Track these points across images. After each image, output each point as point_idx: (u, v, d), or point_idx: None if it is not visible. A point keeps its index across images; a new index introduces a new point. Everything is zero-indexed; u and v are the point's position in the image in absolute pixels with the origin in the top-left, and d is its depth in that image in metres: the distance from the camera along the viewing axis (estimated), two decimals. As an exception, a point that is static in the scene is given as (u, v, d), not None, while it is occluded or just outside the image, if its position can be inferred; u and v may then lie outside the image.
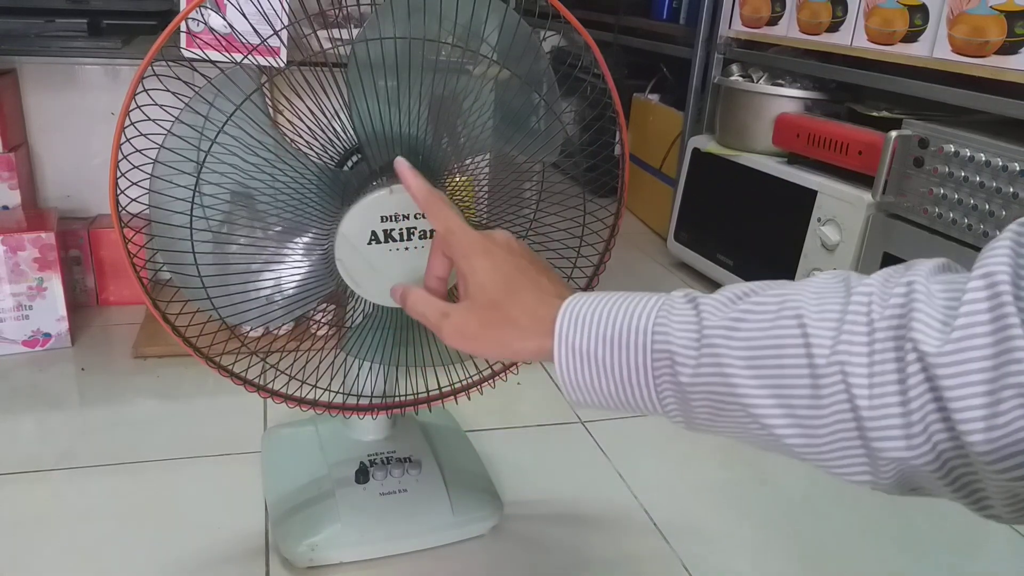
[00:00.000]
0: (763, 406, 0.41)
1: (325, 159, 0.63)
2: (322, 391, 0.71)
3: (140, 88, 0.56)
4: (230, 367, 0.68)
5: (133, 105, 0.56)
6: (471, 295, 0.51)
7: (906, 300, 0.38)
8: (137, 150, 0.58)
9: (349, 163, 0.65)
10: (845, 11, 1.29)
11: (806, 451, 0.41)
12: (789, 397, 0.40)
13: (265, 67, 0.64)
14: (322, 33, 0.57)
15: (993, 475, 0.35)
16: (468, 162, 0.69)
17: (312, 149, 0.61)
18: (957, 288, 0.37)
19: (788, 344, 0.40)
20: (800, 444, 0.41)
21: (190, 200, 0.59)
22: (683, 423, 0.46)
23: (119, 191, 0.58)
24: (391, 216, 0.62)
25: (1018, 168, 0.98)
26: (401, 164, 0.56)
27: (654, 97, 2.00)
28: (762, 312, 0.42)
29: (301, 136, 0.60)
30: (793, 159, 1.39)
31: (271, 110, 0.60)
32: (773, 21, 1.46)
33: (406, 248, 0.63)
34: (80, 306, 1.29)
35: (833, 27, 1.31)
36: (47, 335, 1.16)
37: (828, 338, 0.39)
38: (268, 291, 0.66)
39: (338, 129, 0.61)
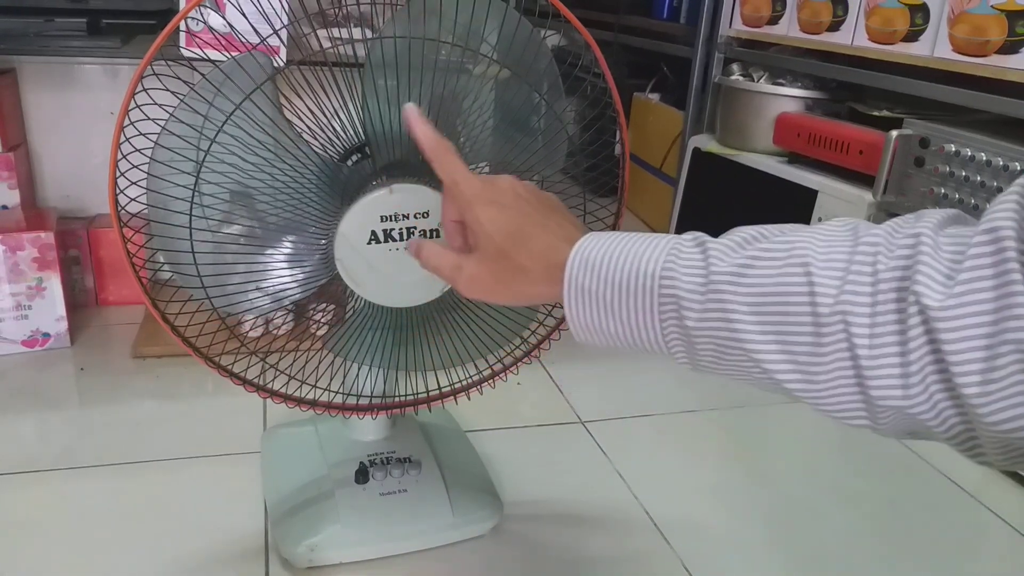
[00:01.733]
0: (765, 351, 0.42)
1: (329, 152, 0.63)
2: (322, 391, 0.71)
3: (140, 87, 0.56)
4: (230, 367, 0.68)
5: (132, 104, 0.56)
6: (480, 246, 0.51)
7: (912, 252, 0.38)
8: (136, 149, 0.58)
9: (351, 160, 0.65)
10: (846, 10, 1.28)
11: (805, 395, 0.42)
12: (791, 344, 0.41)
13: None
14: (322, 32, 0.57)
15: (987, 427, 0.36)
16: (473, 167, 0.68)
17: (317, 139, 0.61)
18: (963, 242, 0.37)
19: (793, 292, 0.40)
20: (800, 388, 0.41)
21: (190, 200, 0.59)
22: (688, 364, 0.47)
23: (118, 191, 0.58)
24: (391, 216, 0.61)
25: (1019, 168, 0.98)
26: (411, 110, 0.55)
27: (654, 96, 2.00)
28: (769, 259, 0.42)
29: (307, 126, 0.60)
30: (794, 159, 1.39)
31: (281, 98, 0.60)
32: (774, 20, 1.46)
33: (406, 248, 0.63)
34: (79, 306, 1.28)
35: (834, 26, 1.31)
36: (46, 335, 1.15)
37: (833, 287, 0.39)
38: (268, 290, 0.66)
39: (345, 122, 0.61)
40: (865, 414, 0.40)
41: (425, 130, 0.54)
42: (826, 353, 0.40)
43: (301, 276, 0.66)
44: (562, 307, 0.48)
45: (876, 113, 1.28)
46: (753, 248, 0.43)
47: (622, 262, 0.46)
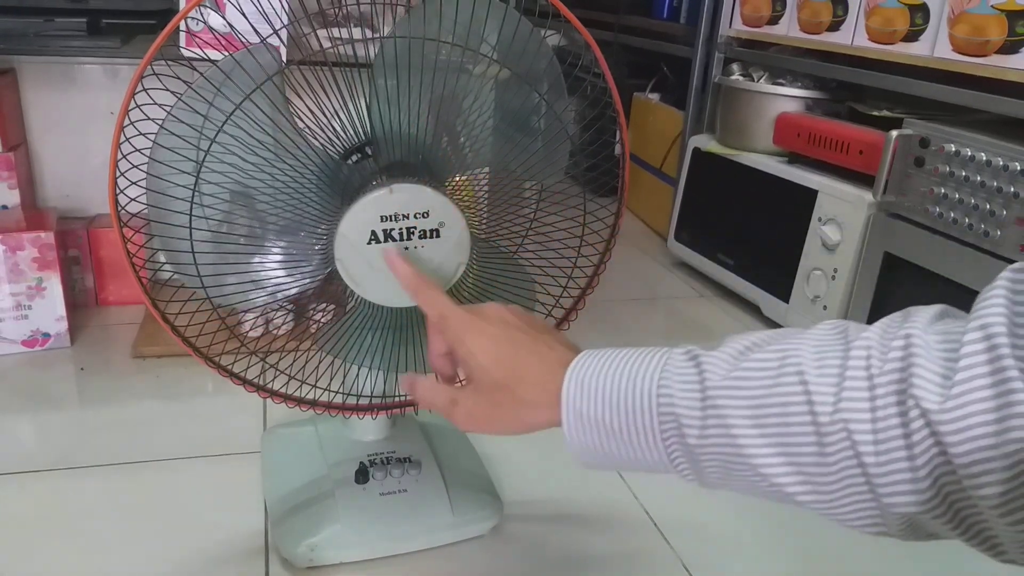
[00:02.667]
0: (771, 464, 0.41)
1: (330, 151, 0.63)
2: (322, 391, 0.71)
3: (140, 87, 0.56)
4: (230, 367, 0.68)
5: (132, 104, 0.56)
6: (475, 379, 0.51)
7: (905, 354, 0.38)
8: (137, 149, 0.58)
9: (352, 159, 0.65)
10: (846, 10, 1.28)
11: (818, 506, 0.41)
12: (796, 455, 0.40)
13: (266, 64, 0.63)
14: (322, 32, 0.57)
15: (1006, 527, 0.35)
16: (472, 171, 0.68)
17: (317, 139, 0.61)
18: (955, 339, 0.37)
19: (791, 402, 0.40)
20: (811, 500, 0.41)
21: (190, 200, 0.59)
22: (696, 482, 0.46)
23: (118, 190, 0.58)
24: (391, 216, 0.61)
25: (1019, 167, 0.98)
26: (391, 253, 0.57)
27: (654, 96, 2.00)
28: (763, 369, 0.42)
29: (307, 125, 0.60)
30: (794, 159, 1.39)
31: (287, 91, 0.60)
32: (774, 20, 1.46)
33: (406, 248, 0.63)
34: (79, 306, 1.28)
35: (834, 26, 1.31)
36: (46, 335, 1.15)
37: (830, 395, 0.39)
38: (268, 290, 0.66)
39: (345, 122, 0.61)
40: (881, 521, 0.40)
41: (405, 268, 0.56)
42: (832, 462, 0.39)
43: (301, 276, 0.66)
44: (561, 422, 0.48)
45: (876, 113, 1.28)
46: (747, 359, 0.43)
47: (617, 382, 0.46)
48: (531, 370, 0.49)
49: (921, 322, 0.39)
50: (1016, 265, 0.37)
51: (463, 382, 0.55)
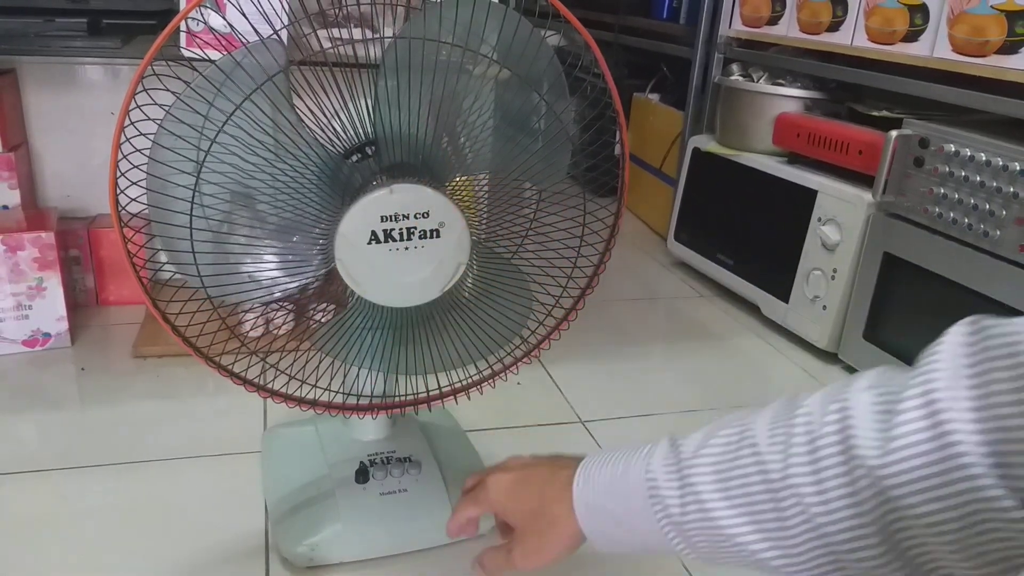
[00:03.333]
0: (743, 533, 0.44)
1: (331, 150, 0.63)
2: (322, 391, 0.71)
3: (140, 88, 0.56)
4: (230, 367, 0.68)
5: (133, 105, 0.56)
6: (518, 525, 0.58)
7: (841, 416, 0.40)
8: (137, 150, 0.58)
9: (353, 158, 0.65)
10: (845, 11, 1.29)
11: (791, 570, 0.44)
12: (761, 521, 0.44)
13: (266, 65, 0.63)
14: (322, 32, 0.57)
15: (967, 571, 0.37)
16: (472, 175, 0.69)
17: (318, 138, 0.61)
18: (893, 394, 0.39)
19: (749, 472, 0.44)
20: (783, 564, 0.44)
21: (190, 200, 0.59)
22: (695, 557, 0.49)
23: (119, 191, 0.58)
24: (391, 216, 0.61)
25: (1018, 168, 0.98)
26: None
27: (654, 97, 2.00)
28: (727, 444, 0.46)
29: (308, 126, 0.60)
30: (793, 159, 1.39)
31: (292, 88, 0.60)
32: (773, 21, 1.46)
33: (406, 248, 0.63)
34: (80, 306, 1.29)
35: (833, 27, 1.31)
36: (47, 335, 1.15)
37: (778, 462, 0.43)
38: (268, 290, 0.66)
39: (345, 122, 0.61)
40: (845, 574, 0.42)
41: (461, 515, 0.62)
42: (791, 525, 0.42)
43: (301, 276, 0.66)
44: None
45: (875, 113, 1.28)
46: (713, 436, 0.47)
47: (614, 473, 0.51)
48: (549, 491, 0.55)
49: (860, 384, 0.41)
50: (969, 319, 0.38)
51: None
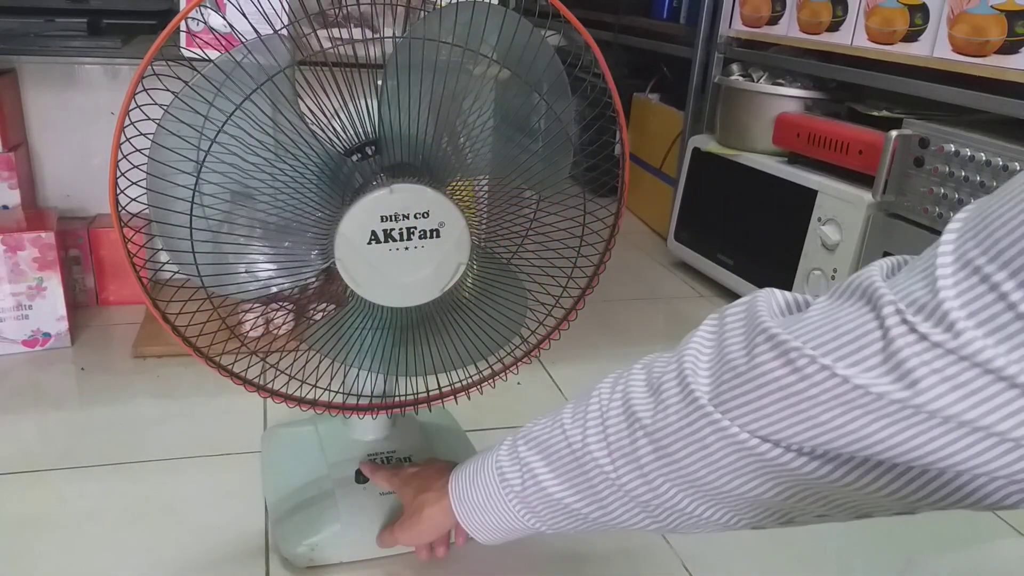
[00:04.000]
0: (567, 496, 0.55)
1: (334, 147, 0.63)
2: (322, 391, 0.71)
3: (140, 88, 0.56)
4: (230, 367, 0.68)
5: (133, 104, 0.56)
6: (405, 507, 0.72)
7: (623, 394, 0.51)
8: (137, 149, 0.58)
9: (353, 158, 0.65)
10: (845, 10, 1.29)
11: (610, 522, 0.54)
12: (578, 486, 0.54)
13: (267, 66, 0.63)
14: (322, 32, 0.57)
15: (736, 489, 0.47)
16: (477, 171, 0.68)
17: (323, 132, 0.61)
18: (657, 377, 0.50)
19: (561, 448, 0.55)
20: (604, 519, 0.54)
21: (190, 200, 0.59)
22: (546, 528, 0.59)
23: (119, 190, 0.58)
24: (391, 216, 0.61)
25: (1018, 168, 0.98)
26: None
27: (654, 97, 2.00)
28: (545, 424, 0.58)
29: (314, 121, 0.60)
30: (793, 159, 1.39)
31: (298, 86, 0.60)
32: (773, 20, 1.46)
33: (406, 248, 0.63)
34: (80, 306, 1.29)
35: (833, 26, 1.31)
36: (47, 335, 1.15)
37: (578, 437, 0.54)
38: (268, 290, 0.66)
39: (345, 122, 0.61)
40: (651, 522, 0.53)
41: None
42: (599, 488, 0.53)
43: (301, 276, 0.66)
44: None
45: (875, 113, 1.28)
46: (536, 422, 0.59)
47: (477, 468, 0.62)
48: (432, 484, 0.68)
49: (639, 365, 0.52)
50: (727, 309, 0.47)
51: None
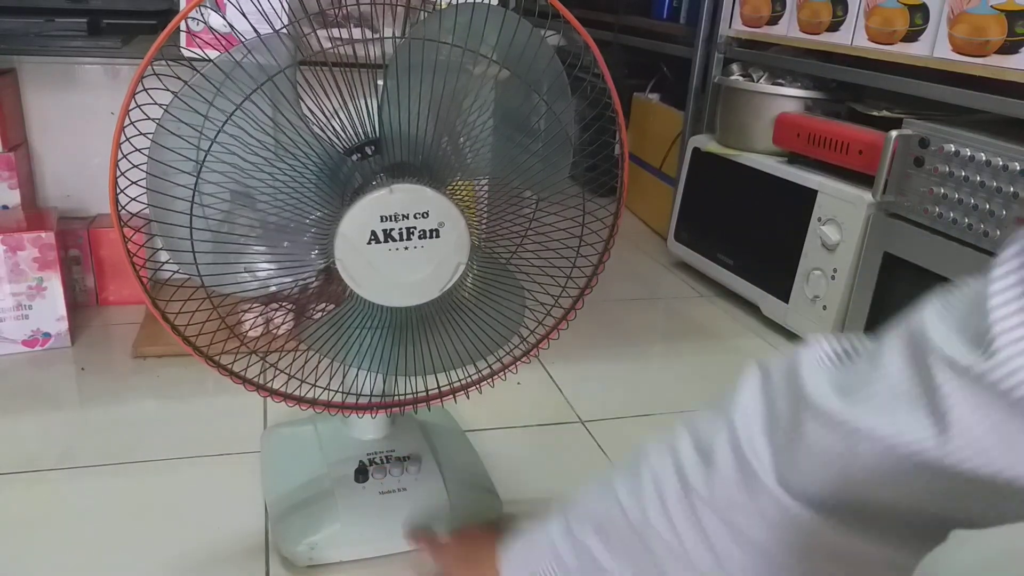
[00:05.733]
0: (621, 571, 0.53)
1: (336, 145, 0.63)
2: (322, 390, 0.71)
3: (140, 87, 0.56)
4: (230, 366, 0.68)
5: (133, 104, 0.56)
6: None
7: (675, 466, 0.50)
8: (137, 149, 0.58)
9: (353, 158, 0.65)
10: (845, 10, 1.29)
11: None
12: (639, 564, 0.52)
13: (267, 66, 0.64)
14: (322, 32, 0.57)
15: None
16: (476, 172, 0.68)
17: (323, 132, 0.61)
18: (707, 443, 0.49)
19: (618, 522, 0.53)
20: None
21: (190, 200, 0.59)
22: None
23: (119, 190, 0.58)
24: (391, 216, 0.62)
25: (1018, 168, 0.98)
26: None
27: (654, 96, 2.00)
28: (595, 494, 0.56)
29: (314, 121, 0.60)
30: (793, 159, 1.39)
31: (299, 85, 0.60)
32: (773, 20, 1.46)
33: (406, 248, 0.63)
34: (80, 306, 1.29)
35: (833, 26, 1.31)
36: (47, 335, 1.16)
37: (636, 511, 0.52)
38: (268, 289, 0.66)
39: (345, 121, 0.61)
40: None
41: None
42: (663, 563, 0.50)
43: (301, 276, 0.66)
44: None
45: (876, 113, 1.28)
46: (587, 492, 0.57)
47: (529, 547, 0.61)
48: (485, 559, 0.65)
49: (680, 434, 0.51)
50: (756, 364, 0.48)
51: None
